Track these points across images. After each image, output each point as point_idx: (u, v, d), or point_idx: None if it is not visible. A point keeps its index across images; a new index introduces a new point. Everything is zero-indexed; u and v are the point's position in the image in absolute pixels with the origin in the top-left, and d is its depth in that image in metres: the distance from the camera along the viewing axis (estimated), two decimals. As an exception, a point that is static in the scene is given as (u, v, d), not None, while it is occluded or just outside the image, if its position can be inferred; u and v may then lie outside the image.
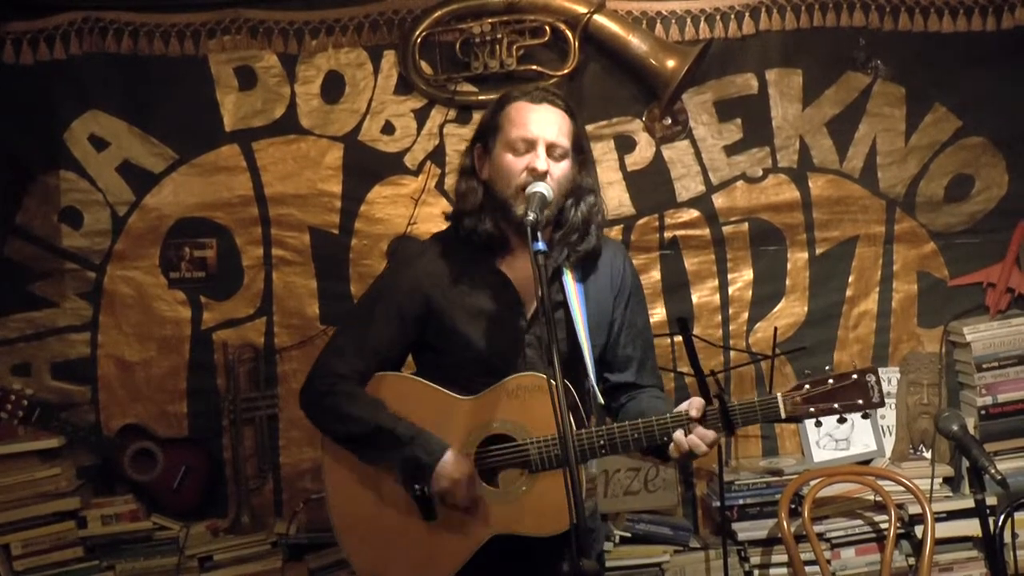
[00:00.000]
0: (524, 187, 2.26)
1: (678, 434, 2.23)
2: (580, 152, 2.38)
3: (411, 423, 2.35)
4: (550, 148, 2.29)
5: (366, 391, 2.40)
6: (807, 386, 2.23)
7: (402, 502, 2.37)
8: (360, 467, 2.41)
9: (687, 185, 3.65)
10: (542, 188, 2.25)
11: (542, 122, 2.29)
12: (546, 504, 2.28)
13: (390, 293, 2.43)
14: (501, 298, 2.37)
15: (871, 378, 2.22)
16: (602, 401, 2.38)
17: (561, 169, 2.31)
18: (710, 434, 2.22)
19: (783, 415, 2.23)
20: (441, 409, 2.37)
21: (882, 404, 2.26)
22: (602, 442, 2.27)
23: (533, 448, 2.30)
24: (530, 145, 2.28)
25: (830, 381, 2.23)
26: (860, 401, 2.23)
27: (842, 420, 2.28)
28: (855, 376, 2.23)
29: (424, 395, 2.38)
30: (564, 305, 2.36)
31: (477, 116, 3.53)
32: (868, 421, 3.59)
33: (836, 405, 2.23)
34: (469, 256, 2.39)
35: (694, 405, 2.24)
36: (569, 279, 2.37)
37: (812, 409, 2.23)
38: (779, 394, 2.24)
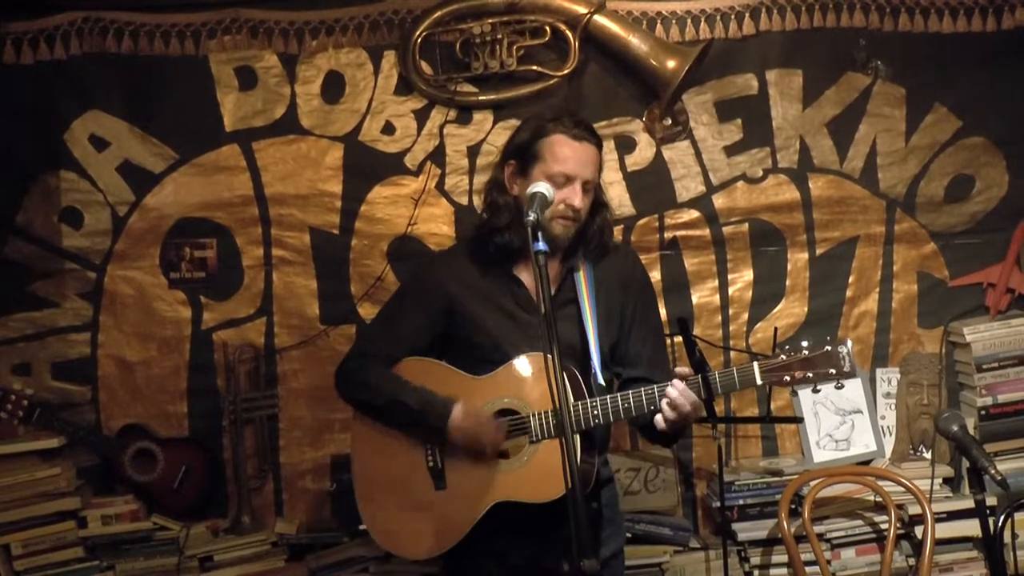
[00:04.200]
0: (557, 215, 2.51)
1: (662, 403, 2.40)
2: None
3: (426, 389, 2.59)
4: (585, 184, 2.53)
5: (391, 370, 2.66)
6: (783, 356, 2.38)
7: (416, 472, 2.62)
8: (382, 440, 2.67)
9: (687, 185, 3.65)
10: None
11: (582, 162, 2.53)
12: (543, 472, 2.47)
13: (417, 289, 2.72)
14: (516, 298, 2.61)
15: (843, 349, 2.38)
16: (603, 383, 2.54)
17: (589, 199, 2.57)
18: (688, 391, 2.38)
19: (759, 381, 2.40)
20: (455, 386, 2.59)
21: (853, 375, 2.39)
22: (596, 412, 2.46)
23: (534, 420, 2.52)
24: (569, 180, 2.51)
25: (805, 352, 2.37)
26: (832, 371, 2.37)
27: (816, 390, 2.42)
28: (828, 348, 2.38)
29: (440, 374, 2.62)
30: (575, 302, 2.59)
31: (478, 116, 3.58)
32: (868, 422, 3.60)
33: (810, 374, 2.37)
34: (489, 262, 2.64)
35: (680, 370, 2.43)
36: (581, 279, 2.60)
37: (787, 378, 2.38)
38: (755, 362, 2.40)
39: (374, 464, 2.70)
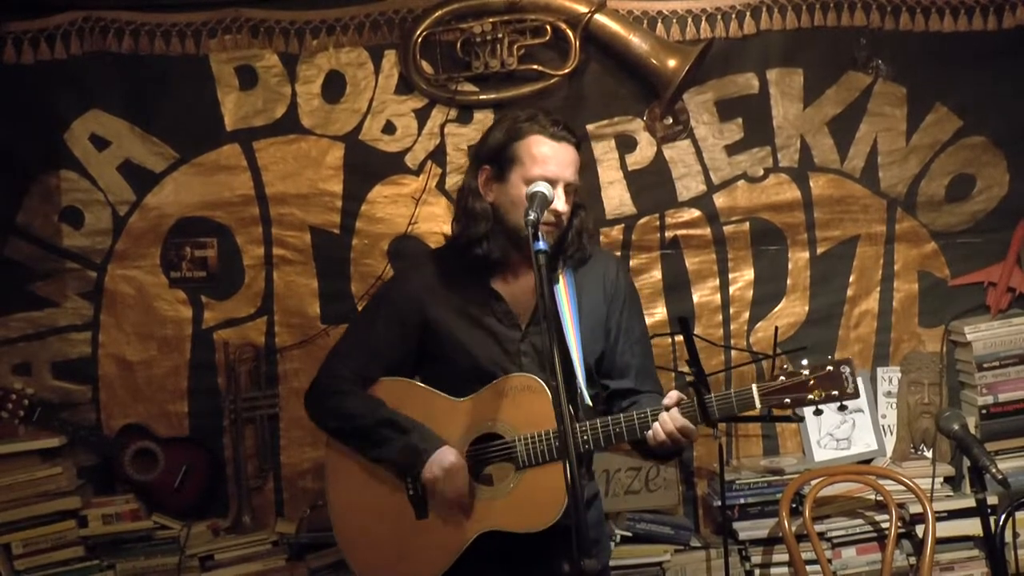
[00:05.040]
0: (540, 221, 2.29)
1: (654, 424, 2.30)
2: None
3: (409, 417, 2.45)
4: (567, 187, 2.39)
5: (367, 392, 2.51)
6: (782, 378, 2.29)
7: (396, 501, 2.47)
8: (359, 468, 2.51)
9: (688, 185, 3.65)
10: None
11: (563, 163, 2.38)
12: (531, 501, 2.36)
13: (390, 303, 2.55)
14: (495, 312, 2.47)
15: (845, 369, 2.27)
16: (590, 403, 2.43)
17: (571, 202, 2.43)
18: (679, 417, 2.27)
19: (758, 405, 2.28)
20: (436, 410, 2.47)
21: (856, 395, 2.29)
22: (585, 437, 2.35)
23: (520, 445, 2.38)
24: (550, 184, 2.35)
25: (805, 373, 2.28)
26: (835, 392, 2.27)
27: (818, 412, 2.31)
28: (830, 368, 2.28)
29: (420, 397, 2.49)
30: (555, 314, 2.41)
31: (478, 116, 3.57)
32: (869, 421, 3.60)
33: (810, 396, 2.27)
34: (464, 272, 2.49)
35: (671, 396, 2.31)
36: (561, 289, 2.45)
37: (787, 400, 2.28)
38: (754, 385, 2.29)
39: (351, 493, 2.54)
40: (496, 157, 2.42)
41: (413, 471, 2.42)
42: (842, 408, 2.30)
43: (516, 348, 2.45)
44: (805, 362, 2.30)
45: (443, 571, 2.43)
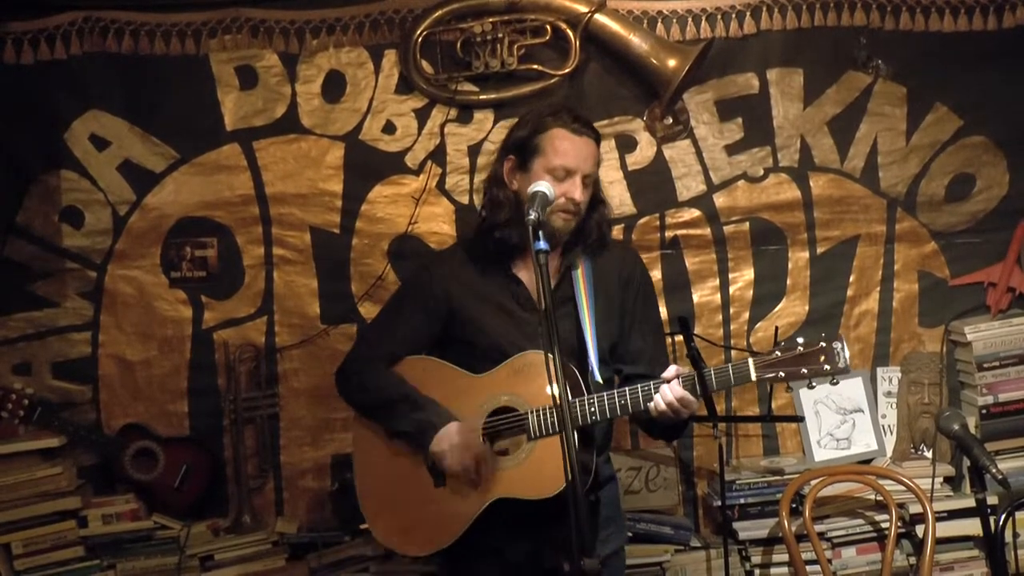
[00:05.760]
0: (557, 209, 2.52)
1: (655, 395, 2.43)
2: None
3: (425, 395, 2.62)
4: (585, 177, 2.57)
5: (391, 370, 2.69)
6: (777, 352, 2.41)
7: (416, 471, 2.63)
8: (382, 442, 2.69)
9: (688, 184, 3.65)
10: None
11: (582, 155, 2.56)
12: (541, 469, 2.50)
13: (416, 289, 2.74)
14: (515, 296, 2.63)
15: (837, 345, 2.40)
16: (600, 381, 2.56)
17: (588, 193, 2.60)
18: (678, 388, 2.40)
19: (753, 378, 2.42)
20: (456, 384, 2.63)
21: (848, 371, 2.42)
22: (593, 408, 2.48)
23: (532, 417, 2.53)
24: (569, 174, 2.54)
25: (799, 348, 2.40)
26: (827, 367, 2.40)
27: (811, 386, 2.43)
28: (822, 344, 2.40)
29: (441, 372, 2.66)
30: (573, 299, 2.60)
31: (478, 116, 3.58)
32: (869, 421, 3.60)
33: (804, 370, 2.40)
34: (487, 260, 2.66)
35: (670, 370, 2.45)
36: (579, 276, 2.62)
37: (782, 374, 2.41)
38: (750, 359, 2.43)
39: (375, 462, 2.71)
40: (520, 148, 2.59)
41: (424, 444, 2.57)
42: (834, 383, 2.43)
43: (534, 330, 2.57)
44: (800, 339, 2.41)
45: (458, 536, 2.58)
